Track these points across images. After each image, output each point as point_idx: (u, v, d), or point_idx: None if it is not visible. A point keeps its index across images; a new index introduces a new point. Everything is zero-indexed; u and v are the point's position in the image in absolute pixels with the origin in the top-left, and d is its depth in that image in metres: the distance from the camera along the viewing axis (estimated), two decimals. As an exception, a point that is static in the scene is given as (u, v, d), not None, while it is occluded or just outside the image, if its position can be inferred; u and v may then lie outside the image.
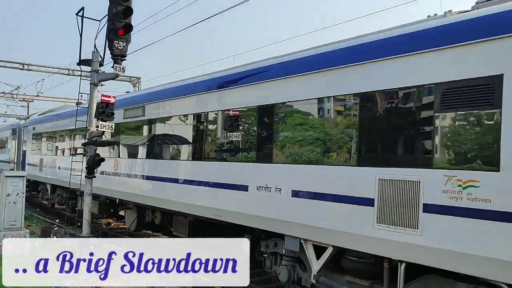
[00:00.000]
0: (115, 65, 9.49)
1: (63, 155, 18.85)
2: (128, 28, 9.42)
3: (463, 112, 5.48)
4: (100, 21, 10.08)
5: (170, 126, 11.44)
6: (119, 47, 9.42)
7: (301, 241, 7.30)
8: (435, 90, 5.63)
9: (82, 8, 10.01)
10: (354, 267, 6.81)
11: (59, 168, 18.88)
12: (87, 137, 9.74)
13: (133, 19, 9.50)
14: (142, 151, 12.53)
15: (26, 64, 35.59)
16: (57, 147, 19.79)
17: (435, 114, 5.64)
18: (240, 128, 9.03)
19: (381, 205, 6.00)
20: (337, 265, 7.03)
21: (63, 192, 18.57)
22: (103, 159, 9.72)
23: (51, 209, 21.19)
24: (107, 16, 9.53)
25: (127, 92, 19.92)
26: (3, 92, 43.66)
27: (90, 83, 9.82)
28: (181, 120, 10.98)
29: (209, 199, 9.16)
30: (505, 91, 4.94)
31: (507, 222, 4.82)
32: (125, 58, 9.66)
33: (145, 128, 12.30)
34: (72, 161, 11.17)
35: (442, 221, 5.38)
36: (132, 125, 13.27)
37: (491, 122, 5.17)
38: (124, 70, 9.66)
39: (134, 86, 42.19)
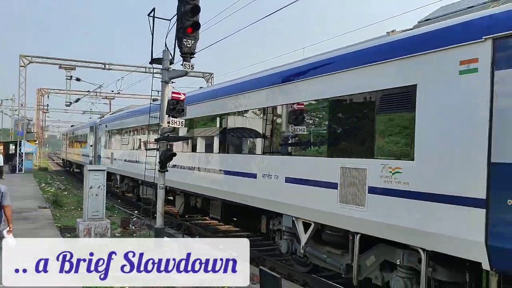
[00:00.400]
0: (184, 62, 9.77)
1: (129, 149, 21.43)
2: (196, 26, 9.64)
3: (392, 114, 7.14)
4: (170, 20, 10.39)
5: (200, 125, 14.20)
6: (187, 45, 9.69)
7: (293, 218, 9.12)
8: (375, 96, 7.28)
9: (153, 9, 10.38)
10: (330, 240, 8.48)
11: (125, 160, 21.91)
12: (159, 133, 10.14)
13: (205, 16, 9.71)
14: (187, 146, 14.57)
15: (107, 64, 37.84)
16: (124, 142, 22.51)
17: (376, 116, 7.28)
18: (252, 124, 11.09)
19: (341, 188, 7.67)
20: (320, 238, 8.75)
21: (129, 182, 21.75)
22: (174, 154, 10.08)
23: (132, 201, 22.43)
24: (176, 16, 9.83)
25: (200, 87, 20.70)
26: (88, 91, 46.70)
27: (161, 81, 10.19)
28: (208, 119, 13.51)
29: (235, 187, 11.10)
30: (418, 98, 6.48)
31: (419, 200, 6.34)
32: (194, 55, 9.92)
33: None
34: (146, 156, 11.74)
35: (380, 200, 6.95)
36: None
37: (408, 123, 6.69)
38: (193, 67, 9.92)
39: (207, 82, 43.34)
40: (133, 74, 36.06)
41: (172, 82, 10.44)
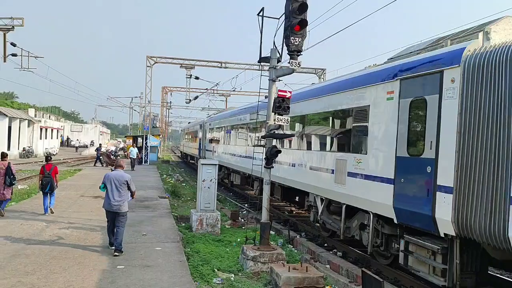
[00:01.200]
0: (291, 60, 9.83)
1: (226, 144, 26.46)
2: (304, 23, 9.64)
3: (359, 124, 10.44)
4: (278, 19, 10.52)
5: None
6: (295, 43, 9.73)
7: (315, 196, 12.91)
8: (352, 111, 10.71)
9: (262, 9, 10.59)
10: (335, 210, 11.80)
11: (222, 153, 27.03)
12: (266, 130, 10.35)
13: (319, 11, 9.70)
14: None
15: (224, 62, 39.52)
16: (223, 138, 27.55)
17: (352, 125, 10.77)
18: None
19: (336, 173, 11.24)
20: (329, 209, 12.16)
21: (225, 170, 26.31)
22: (280, 151, 10.23)
23: (243, 194, 23.25)
24: (284, 14, 9.93)
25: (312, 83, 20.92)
26: (206, 89, 49.25)
27: (268, 79, 10.37)
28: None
29: (288, 174, 14.92)
30: (370, 114, 9.91)
31: (369, 180, 9.71)
32: (301, 53, 9.95)
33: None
34: (254, 152, 12.15)
35: (352, 180, 10.47)
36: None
37: (365, 130, 10.07)
38: (299, 65, 9.95)
39: (319, 78, 43.12)
40: (247, 72, 37.19)
41: (279, 80, 10.57)
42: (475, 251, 7.84)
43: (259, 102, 11.98)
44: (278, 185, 16.48)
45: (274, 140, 10.59)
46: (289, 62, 9.89)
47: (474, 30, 8.58)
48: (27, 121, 48.03)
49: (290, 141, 15.00)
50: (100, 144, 48.42)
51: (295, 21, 9.58)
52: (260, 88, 11.16)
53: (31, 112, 55.41)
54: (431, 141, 7.87)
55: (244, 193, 23.28)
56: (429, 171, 7.86)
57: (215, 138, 29.72)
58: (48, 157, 15.21)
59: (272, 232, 13.09)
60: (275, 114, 9.89)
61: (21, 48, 29.51)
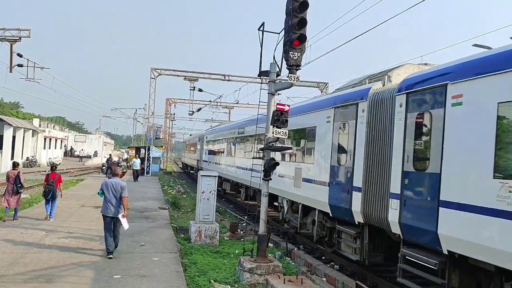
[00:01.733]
0: (290, 74, 9.98)
1: (219, 155, 29.22)
2: (302, 38, 9.80)
3: (309, 140, 13.31)
4: (279, 34, 10.70)
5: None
6: (294, 58, 9.89)
7: (282, 198, 15.78)
8: (306, 130, 13.62)
9: (263, 24, 10.77)
10: (295, 209, 14.47)
11: (215, 163, 30.02)
12: (264, 142, 10.46)
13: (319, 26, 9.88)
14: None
15: (227, 75, 39.80)
16: (217, 149, 30.29)
17: (306, 140, 13.70)
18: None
19: (295, 179, 14.09)
20: (292, 209, 14.92)
21: (218, 179, 27.08)
22: (278, 163, 10.33)
23: (243, 207, 23.27)
24: (284, 29, 10.10)
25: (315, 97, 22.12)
26: (209, 101, 49.52)
27: (267, 93, 10.52)
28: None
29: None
30: (316, 133, 12.72)
31: (316, 184, 12.34)
32: (300, 67, 10.10)
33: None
34: (253, 164, 12.24)
35: (304, 184, 13.20)
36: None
37: (313, 145, 12.88)
38: (298, 79, 10.09)
39: (321, 92, 43.33)
40: (249, 85, 37.45)
41: (278, 94, 10.72)
42: (383, 235, 10.00)
43: (258, 115, 12.12)
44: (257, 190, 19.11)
45: (273, 153, 10.70)
46: (288, 76, 10.04)
47: (384, 73, 10.87)
48: (31, 130, 48.36)
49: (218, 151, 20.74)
50: (110, 155, 48.28)
51: (294, 36, 9.74)
52: (260, 101, 11.31)
53: (36, 122, 55.80)
54: (350, 154, 10.61)
55: (244, 205, 23.31)
56: (349, 176, 10.56)
57: (211, 150, 33.32)
58: (53, 166, 16.13)
59: (270, 245, 13.13)
60: (273, 127, 10.01)
61: (27, 59, 29.85)
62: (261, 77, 11.34)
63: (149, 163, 42.47)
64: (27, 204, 18.13)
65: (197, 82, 41.06)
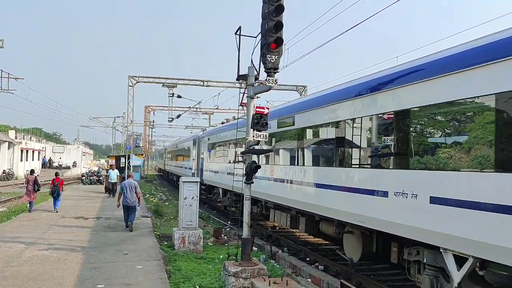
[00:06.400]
0: (268, 78, 10.02)
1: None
2: (279, 41, 9.85)
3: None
4: (256, 37, 10.74)
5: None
6: (271, 61, 9.93)
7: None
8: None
9: (239, 28, 10.81)
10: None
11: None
12: (245, 146, 10.48)
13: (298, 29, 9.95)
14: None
15: (206, 81, 39.72)
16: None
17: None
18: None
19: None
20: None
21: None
22: (259, 166, 10.34)
23: (227, 211, 23.21)
24: (260, 33, 10.15)
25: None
26: (189, 107, 49.33)
27: (246, 96, 10.55)
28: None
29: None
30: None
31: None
32: (278, 70, 10.15)
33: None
34: (234, 168, 12.22)
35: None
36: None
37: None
38: (276, 82, 10.12)
39: (301, 95, 43.60)
40: (229, 90, 37.44)
41: (258, 97, 10.75)
42: None
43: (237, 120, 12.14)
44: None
45: (253, 156, 10.71)
46: (266, 79, 10.09)
47: None
48: (7, 143, 47.37)
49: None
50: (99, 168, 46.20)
51: (271, 40, 9.79)
52: (239, 105, 11.32)
53: (12, 133, 54.70)
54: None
55: (228, 210, 23.23)
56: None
57: (173, 158, 36.33)
58: (57, 172, 23.09)
59: (254, 248, 13.10)
60: (253, 130, 10.03)
61: (1, 69, 29.33)
62: (240, 81, 11.37)
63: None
64: (5, 218, 17.76)
65: (176, 88, 40.89)
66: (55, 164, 77.18)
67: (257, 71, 10.65)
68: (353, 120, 10.24)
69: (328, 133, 11.76)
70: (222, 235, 15.75)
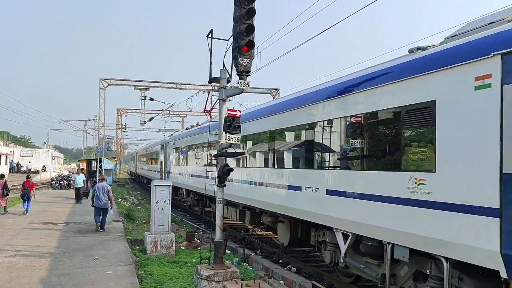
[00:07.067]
0: (240, 81, 10.01)
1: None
2: (251, 44, 9.87)
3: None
4: (228, 40, 10.73)
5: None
6: (243, 64, 9.93)
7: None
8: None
9: (211, 31, 10.78)
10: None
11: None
12: (218, 149, 10.45)
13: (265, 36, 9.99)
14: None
15: (179, 83, 39.42)
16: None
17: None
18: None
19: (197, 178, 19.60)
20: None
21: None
22: (232, 169, 10.33)
23: (200, 215, 23.07)
24: (232, 36, 10.15)
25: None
26: (161, 110, 48.89)
27: (218, 99, 10.53)
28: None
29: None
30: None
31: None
32: (250, 73, 10.17)
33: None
34: (207, 171, 12.17)
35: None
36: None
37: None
38: (248, 85, 10.13)
39: (274, 98, 43.77)
40: (201, 93, 37.25)
41: (230, 100, 10.74)
42: None
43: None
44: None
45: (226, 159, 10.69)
46: (238, 82, 10.09)
47: None
48: (-28, 147, 45.90)
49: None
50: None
51: (243, 42, 9.80)
52: (211, 108, 11.30)
53: (-23, 137, 53.01)
54: None
55: (200, 214, 23.10)
56: None
57: (142, 162, 37.34)
58: (28, 176, 23.03)
59: (228, 251, 13.10)
60: (226, 133, 10.02)
61: (-34, 72, 28.39)
62: (212, 84, 11.33)
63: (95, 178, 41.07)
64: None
65: (148, 91, 40.41)
66: (24, 169, 75.27)
67: (229, 74, 10.63)
68: (278, 130, 12.57)
69: (261, 141, 14.00)
70: (195, 238, 15.65)
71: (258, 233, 17.33)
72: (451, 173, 6.34)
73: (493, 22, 6.67)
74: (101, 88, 38.90)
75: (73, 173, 49.38)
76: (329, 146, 9.98)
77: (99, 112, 40.38)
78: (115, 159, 58.76)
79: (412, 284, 7.45)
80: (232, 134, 10.03)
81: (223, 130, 10.12)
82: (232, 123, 9.88)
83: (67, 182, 40.81)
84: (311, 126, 10.56)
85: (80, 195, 27.18)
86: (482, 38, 6.17)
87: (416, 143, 7.25)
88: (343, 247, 9.09)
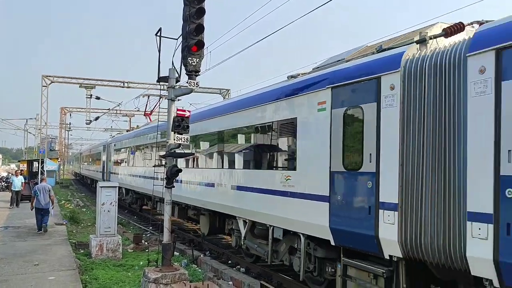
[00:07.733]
0: (189, 80, 9.91)
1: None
2: (200, 44, 9.78)
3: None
4: (177, 39, 10.58)
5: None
6: (192, 63, 9.82)
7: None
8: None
9: (160, 29, 10.60)
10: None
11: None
12: (166, 149, 10.28)
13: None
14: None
15: (126, 82, 38.56)
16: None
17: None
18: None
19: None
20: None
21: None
22: (180, 170, 10.20)
23: (147, 217, 22.63)
24: (181, 35, 10.03)
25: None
26: (108, 109, 47.58)
27: (167, 99, 10.37)
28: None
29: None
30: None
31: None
32: (199, 73, 10.08)
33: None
34: (155, 172, 12.05)
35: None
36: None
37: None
38: (198, 85, 10.05)
39: (224, 98, 43.73)
40: (150, 92, 36.56)
41: (179, 100, 10.60)
42: None
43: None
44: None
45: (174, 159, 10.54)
46: (187, 82, 9.98)
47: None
48: None
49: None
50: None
51: (192, 42, 9.69)
52: (159, 107, 11.10)
53: None
54: None
55: (149, 216, 22.66)
56: None
57: (86, 162, 36.71)
58: None
59: (176, 253, 12.92)
60: (174, 133, 9.88)
61: None
62: (160, 83, 11.14)
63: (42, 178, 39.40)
64: None
65: (95, 89, 39.22)
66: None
67: (178, 73, 10.49)
68: (199, 136, 14.32)
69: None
70: (143, 241, 15.34)
71: (185, 223, 17.83)
72: (304, 171, 8.70)
73: (339, 60, 8.90)
74: (44, 86, 37.35)
75: (12, 175, 47.06)
76: (234, 150, 12.22)
77: (41, 111, 38.74)
78: (59, 160, 56.60)
79: (288, 257, 9.77)
80: (181, 134, 9.91)
81: (172, 130, 9.97)
82: (181, 123, 9.75)
83: (5, 184, 38.75)
84: (221, 134, 12.79)
85: (18, 199, 25.16)
86: (323, 74, 8.53)
87: (286, 148, 9.64)
88: (243, 232, 11.30)
